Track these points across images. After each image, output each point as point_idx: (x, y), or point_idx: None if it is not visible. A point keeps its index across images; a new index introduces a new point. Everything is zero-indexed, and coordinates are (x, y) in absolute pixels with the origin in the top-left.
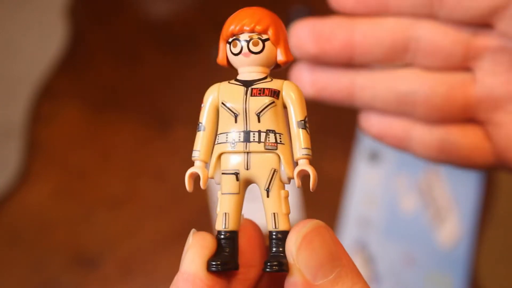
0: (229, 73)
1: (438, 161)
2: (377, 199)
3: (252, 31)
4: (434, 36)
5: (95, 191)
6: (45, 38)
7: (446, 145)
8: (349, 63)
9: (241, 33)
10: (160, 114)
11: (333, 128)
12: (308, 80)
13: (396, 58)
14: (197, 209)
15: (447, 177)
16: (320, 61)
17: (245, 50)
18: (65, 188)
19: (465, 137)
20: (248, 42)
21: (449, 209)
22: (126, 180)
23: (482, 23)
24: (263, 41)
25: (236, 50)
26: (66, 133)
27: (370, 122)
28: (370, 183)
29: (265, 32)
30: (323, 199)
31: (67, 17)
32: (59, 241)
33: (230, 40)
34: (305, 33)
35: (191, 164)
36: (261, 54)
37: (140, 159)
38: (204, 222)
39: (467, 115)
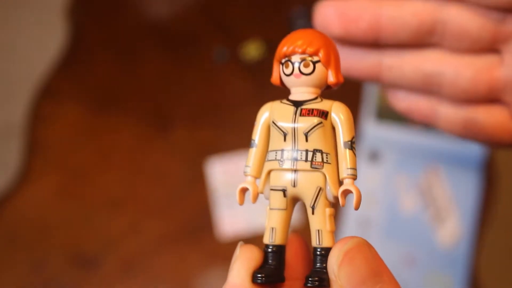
0: (229, 74)
1: (464, 138)
2: (377, 199)
3: (303, 52)
4: (461, 20)
5: (95, 191)
6: (45, 38)
7: (471, 124)
8: (374, 44)
9: (293, 55)
10: (160, 114)
11: None
12: None
13: (422, 40)
14: (197, 209)
15: (447, 177)
16: (345, 42)
17: (296, 71)
18: (65, 188)
19: (490, 117)
20: (299, 63)
21: (449, 209)
22: (126, 180)
23: None
24: (314, 62)
25: (288, 71)
26: (66, 133)
27: (398, 98)
28: (370, 183)
29: (316, 54)
30: None
31: (67, 17)
32: (59, 241)
33: (282, 61)
34: (331, 13)
35: (191, 164)
36: (311, 75)
37: (140, 159)
38: (204, 222)
39: (492, 97)
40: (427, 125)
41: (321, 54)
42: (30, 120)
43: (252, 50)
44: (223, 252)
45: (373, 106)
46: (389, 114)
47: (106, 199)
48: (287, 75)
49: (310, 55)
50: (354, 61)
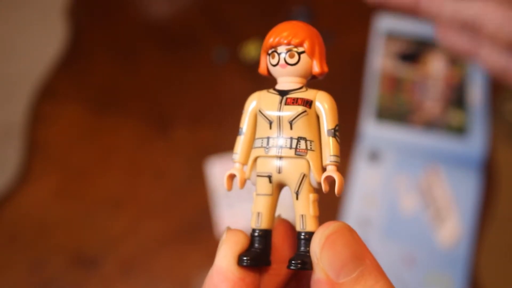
0: (229, 74)
1: (501, 81)
2: (377, 199)
3: (289, 43)
4: None
5: (95, 191)
6: (45, 38)
7: (508, 71)
8: None
9: (278, 46)
10: (160, 114)
11: None
12: None
13: None
14: (197, 209)
15: (447, 177)
16: None
17: (282, 61)
18: (65, 188)
19: None
20: (285, 54)
21: (449, 209)
22: (126, 180)
23: None
24: (299, 53)
25: (274, 62)
26: (66, 133)
27: (444, 32)
28: (370, 183)
29: (301, 44)
30: (324, 199)
31: (67, 17)
32: (59, 241)
33: (269, 52)
34: None
35: (191, 164)
36: (297, 65)
37: (140, 159)
38: (204, 222)
39: None
40: (471, 61)
41: (306, 45)
42: (30, 120)
43: (252, 50)
44: None
45: (373, 106)
46: (389, 114)
47: (106, 199)
48: (274, 65)
49: (295, 46)
50: None
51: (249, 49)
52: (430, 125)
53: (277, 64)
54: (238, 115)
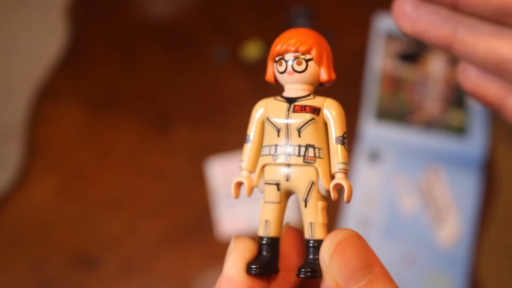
0: (229, 74)
1: None
2: (377, 199)
3: (296, 51)
4: None
5: (95, 191)
6: (45, 38)
7: None
8: (454, 7)
9: (286, 53)
10: (160, 114)
11: None
12: (408, 16)
13: (504, 20)
14: (197, 209)
15: (447, 177)
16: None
17: (289, 69)
18: (65, 188)
19: None
20: (292, 61)
21: (449, 209)
22: (126, 180)
23: None
24: (307, 60)
25: (281, 69)
26: (66, 133)
27: (467, 75)
28: (370, 183)
29: (308, 52)
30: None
31: (67, 17)
32: (59, 241)
33: (276, 59)
34: None
35: (191, 164)
36: (304, 73)
37: (140, 159)
38: (204, 222)
39: None
40: (491, 110)
41: (313, 52)
42: (30, 120)
43: (252, 50)
44: (223, 252)
45: (373, 106)
46: (389, 114)
47: (106, 199)
48: (281, 73)
49: (303, 53)
50: (429, 27)
51: (249, 49)
52: (430, 125)
53: (285, 71)
54: (238, 115)
